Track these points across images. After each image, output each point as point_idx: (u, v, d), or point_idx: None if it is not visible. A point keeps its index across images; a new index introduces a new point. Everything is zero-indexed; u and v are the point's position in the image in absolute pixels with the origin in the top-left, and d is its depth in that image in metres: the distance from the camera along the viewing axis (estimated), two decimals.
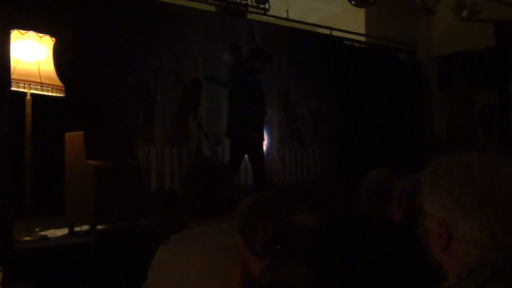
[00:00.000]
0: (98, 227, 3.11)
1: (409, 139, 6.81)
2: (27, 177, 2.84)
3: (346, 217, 2.18)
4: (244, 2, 5.46)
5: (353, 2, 5.72)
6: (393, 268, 1.77)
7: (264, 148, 4.79)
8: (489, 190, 0.85)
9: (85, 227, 3.12)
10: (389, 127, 6.60)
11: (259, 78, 4.45)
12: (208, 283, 1.43)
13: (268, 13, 5.71)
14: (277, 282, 1.29)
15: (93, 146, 3.10)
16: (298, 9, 8.08)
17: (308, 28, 6.53)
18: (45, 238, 2.98)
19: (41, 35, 2.98)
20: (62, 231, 3.18)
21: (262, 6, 5.61)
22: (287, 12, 6.20)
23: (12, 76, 2.75)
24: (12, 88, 2.76)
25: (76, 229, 3.16)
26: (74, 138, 3.11)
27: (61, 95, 3.04)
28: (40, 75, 2.90)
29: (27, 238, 2.79)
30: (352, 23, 7.21)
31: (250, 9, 5.56)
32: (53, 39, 3.06)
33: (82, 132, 3.08)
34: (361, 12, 7.31)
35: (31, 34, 2.95)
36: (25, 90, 2.87)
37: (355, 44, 6.94)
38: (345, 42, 6.76)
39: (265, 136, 4.78)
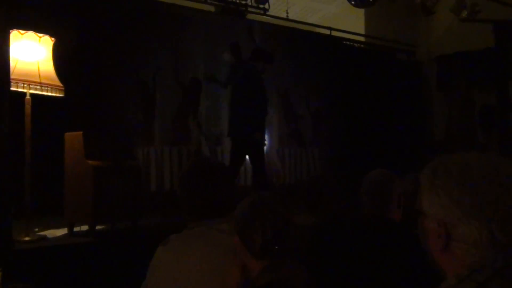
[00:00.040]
0: (98, 227, 3.11)
1: (409, 139, 6.82)
2: (27, 177, 2.84)
3: (345, 217, 2.19)
4: (243, 2, 5.47)
5: (353, 2, 5.72)
6: (392, 268, 1.77)
7: (265, 148, 4.80)
8: (488, 190, 0.85)
9: (85, 227, 3.12)
10: (389, 127, 6.60)
11: (262, 79, 4.46)
12: (207, 283, 1.43)
13: (267, 13, 5.71)
14: (276, 282, 1.28)
15: (93, 146, 3.10)
16: (297, 9, 8.08)
17: (308, 28, 6.53)
18: (45, 238, 2.98)
19: (40, 35, 2.98)
20: (62, 231, 3.18)
21: (261, 6, 5.61)
22: (287, 12, 6.20)
23: (12, 76, 2.75)
24: (12, 88, 2.76)
25: (76, 229, 3.16)
26: (73, 138, 3.11)
27: (60, 95, 3.04)
28: (39, 75, 2.90)
29: (26, 238, 2.79)
30: (351, 23, 7.20)
31: (250, 9, 5.56)
32: (53, 39, 3.06)
33: (81, 132, 3.08)
34: (360, 12, 7.30)
35: (31, 34, 2.95)
36: (25, 90, 2.87)
37: (354, 44, 6.94)
38: (344, 42, 6.76)
39: (265, 137, 4.79)
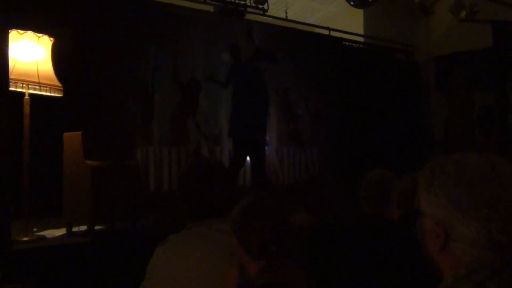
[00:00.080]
0: (96, 227, 3.11)
1: (408, 139, 6.82)
2: (25, 177, 2.83)
3: (344, 217, 2.19)
4: (242, 2, 5.46)
5: (352, 3, 5.72)
6: (391, 268, 1.77)
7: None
8: (486, 190, 0.85)
9: (83, 227, 3.12)
10: (388, 127, 6.60)
11: (263, 79, 4.46)
12: (206, 283, 1.43)
13: (266, 13, 5.71)
14: (274, 282, 1.29)
15: (91, 146, 3.10)
16: (296, 10, 8.08)
17: (307, 29, 6.53)
18: (43, 238, 2.97)
19: (39, 35, 2.97)
20: (60, 231, 3.17)
21: (260, 6, 5.61)
22: (286, 13, 6.21)
23: (10, 76, 2.75)
24: (10, 88, 2.76)
25: (74, 229, 3.15)
26: (72, 138, 3.11)
27: (59, 95, 3.03)
28: (38, 75, 2.89)
29: (25, 238, 2.78)
30: (350, 23, 7.21)
31: (249, 9, 5.55)
32: (52, 39, 3.05)
33: (80, 132, 3.07)
34: (359, 13, 7.31)
35: (30, 34, 2.94)
36: (23, 90, 2.86)
37: (353, 44, 6.95)
38: (343, 42, 6.77)
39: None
